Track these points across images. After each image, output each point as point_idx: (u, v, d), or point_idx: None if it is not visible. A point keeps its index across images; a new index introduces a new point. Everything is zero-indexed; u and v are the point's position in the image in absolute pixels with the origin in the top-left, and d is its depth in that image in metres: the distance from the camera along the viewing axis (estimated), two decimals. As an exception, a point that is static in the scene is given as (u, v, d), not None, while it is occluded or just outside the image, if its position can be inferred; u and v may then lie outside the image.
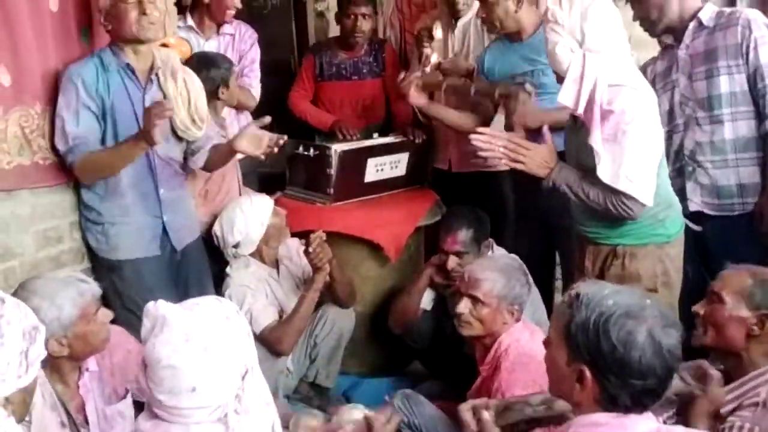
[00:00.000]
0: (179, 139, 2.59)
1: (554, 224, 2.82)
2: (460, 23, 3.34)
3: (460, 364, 2.72)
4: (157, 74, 2.46)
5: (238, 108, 3.26)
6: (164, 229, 2.56)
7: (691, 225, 2.43)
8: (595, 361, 1.28)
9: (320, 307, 2.91)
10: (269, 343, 2.67)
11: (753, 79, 2.40)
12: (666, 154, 2.46)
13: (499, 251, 2.82)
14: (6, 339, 1.28)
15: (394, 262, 3.15)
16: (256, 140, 2.49)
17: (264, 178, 3.64)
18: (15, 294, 1.56)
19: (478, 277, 2.21)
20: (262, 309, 2.74)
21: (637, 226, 2.15)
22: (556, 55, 2.08)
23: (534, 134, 2.60)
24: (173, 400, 1.37)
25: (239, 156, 3.20)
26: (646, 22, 2.55)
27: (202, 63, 2.80)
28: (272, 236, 2.88)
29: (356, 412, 2.20)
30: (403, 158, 3.38)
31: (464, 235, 2.78)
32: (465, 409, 1.61)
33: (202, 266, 2.78)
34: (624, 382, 1.27)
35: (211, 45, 3.26)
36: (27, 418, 1.66)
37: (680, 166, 2.55)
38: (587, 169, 2.13)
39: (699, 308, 1.82)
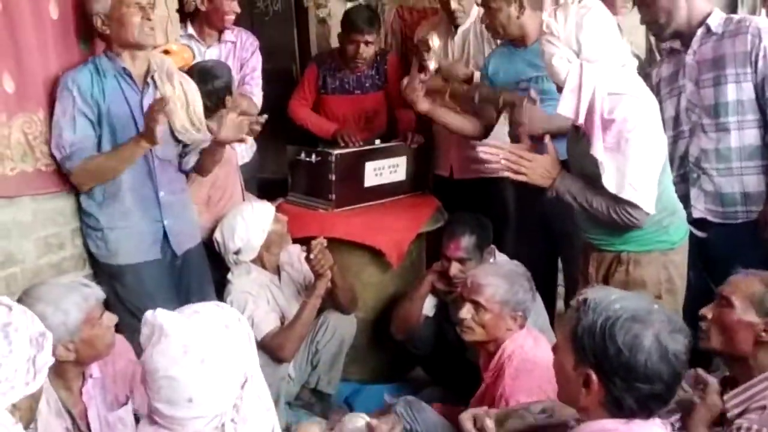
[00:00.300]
0: (177, 141, 2.60)
1: (557, 230, 2.82)
2: (460, 30, 3.35)
3: (462, 371, 2.72)
4: (153, 78, 2.47)
5: (240, 115, 3.26)
6: (165, 234, 2.56)
7: (696, 231, 2.43)
8: (601, 365, 1.29)
9: (322, 313, 2.91)
10: (271, 349, 2.66)
11: (761, 88, 2.40)
12: (670, 160, 2.46)
13: (502, 258, 2.82)
14: (14, 346, 1.29)
15: (396, 268, 3.15)
16: (237, 126, 2.51)
17: (264, 184, 3.64)
18: (19, 301, 1.56)
19: (480, 283, 2.21)
20: (264, 315, 2.73)
21: (641, 233, 2.15)
22: (554, 66, 2.08)
23: (539, 140, 2.61)
24: (170, 410, 1.37)
25: (241, 160, 3.21)
26: (654, 26, 2.55)
27: (203, 76, 2.79)
28: (273, 243, 2.88)
29: (359, 420, 2.20)
30: (401, 162, 3.39)
31: (467, 241, 2.78)
32: (466, 418, 1.62)
33: (204, 272, 2.78)
34: (630, 386, 1.27)
35: (212, 53, 3.26)
36: (32, 425, 1.66)
37: (684, 172, 2.55)
38: (590, 178, 2.13)
39: (707, 311, 1.82)
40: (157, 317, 1.40)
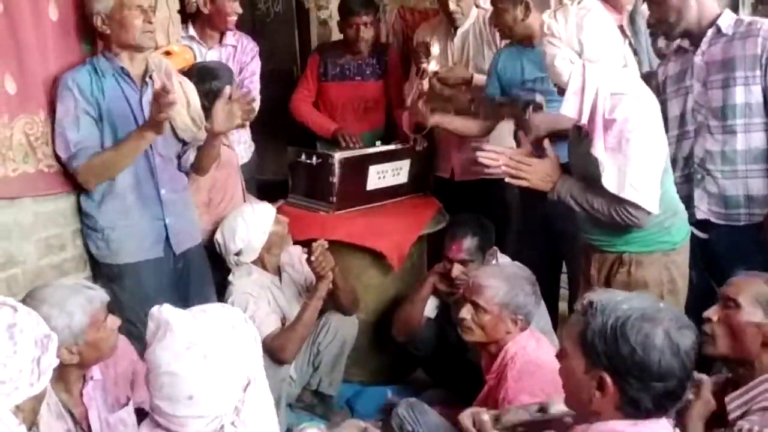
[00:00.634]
0: (178, 139, 2.61)
1: (560, 232, 2.81)
2: (459, 32, 3.36)
3: (464, 372, 2.71)
4: (151, 77, 2.48)
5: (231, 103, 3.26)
6: (166, 233, 2.55)
7: (698, 233, 2.43)
8: (615, 366, 1.28)
9: (323, 314, 2.90)
10: (272, 351, 2.65)
11: None
12: (674, 160, 2.47)
13: (504, 260, 2.82)
14: (19, 347, 1.29)
15: (397, 270, 3.15)
16: (229, 114, 2.49)
17: (263, 185, 3.64)
18: (23, 303, 1.55)
19: (481, 284, 2.21)
20: (265, 317, 2.73)
21: (643, 234, 2.15)
22: (555, 67, 2.08)
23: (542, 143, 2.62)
24: (171, 408, 1.37)
25: (241, 160, 3.20)
26: (664, 25, 2.53)
27: (202, 75, 2.79)
28: (274, 244, 2.87)
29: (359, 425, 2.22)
30: (404, 165, 3.38)
31: (469, 243, 2.78)
32: (465, 416, 1.62)
33: (204, 275, 2.77)
34: (645, 385, 1.27)
35: (212, 54, 3.26)
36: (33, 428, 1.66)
37: (689, 173, 2.54)
38: (592, 179, 2.13)
39: (712, 314, 1.81)
40: (163, 312, 1.41)
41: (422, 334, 2.96)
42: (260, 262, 2.88)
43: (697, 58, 2.51)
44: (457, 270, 2.78)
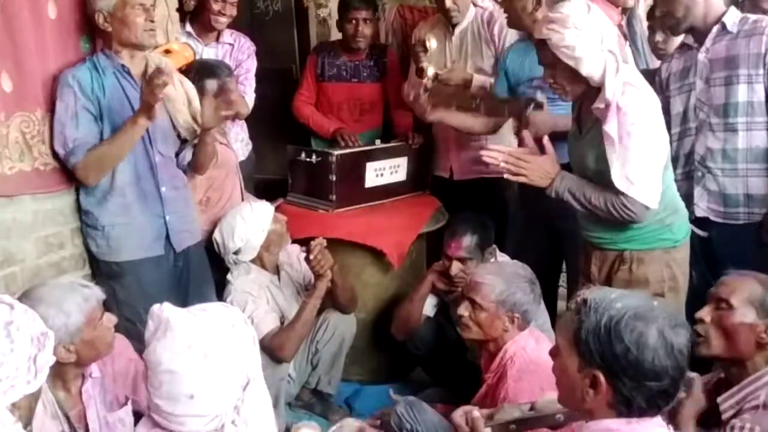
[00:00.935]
0: (179, 138, 2.62)
1: (559, 230, 2.81)
2: (457, 31, 3.35)
3: (463, 371, 2.71)
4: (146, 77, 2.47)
5: (234, 117, 3.26)
6: (167, 231, 2.55)
7: (697, 230, 2.42)
8: (609, 365, 1.27)
9: (322, 313, 2.90)
10: (271, 349, 2.65)
11: None
12: (675, 157, 2.46)
13: (503, 258, 2.81)
14: (15, 345, 1.28)
15: (396, 268, 3.14)
16: (214, 109, 2.51)
17: (262, 184, 3.64)
18: (20, 302, 1.55)
19: (478, 281, 2.21)
20: (264, 315, 2.73)
21: (644, 231, 2.15)
22: (589, 58, 2.01)
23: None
24: (170, 406, 1.37)
25: (238, 158, 3.20)
26: (671, 20, 2.52)
27: (202, 71, 2.79)
28: (273, 242, 2.87)
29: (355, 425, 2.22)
30: (402, 163, 3.39)
31: (468, 240, 2.78)
32: (457, 415, 1.62)
33: (204, 273, 2.77)
34: (638, 384, 1.26)
35: (209, 52, 3.28)
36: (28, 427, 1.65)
37: (689, 170, 2.54)
38: (592, 177, 2.13)
39: (705, 315, 1.80)
40: (163, 311, 1.40)
41: (421, 333, 2.96)
42: (259, 260, 2.87)
43: (701, 55, 2.50)
44: (455, 268, 2.78)
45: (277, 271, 2.95)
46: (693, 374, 1.72)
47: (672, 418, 1.66)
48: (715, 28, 2.47)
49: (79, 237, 2.53)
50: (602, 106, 2.02)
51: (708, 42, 2.49)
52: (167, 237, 2.57)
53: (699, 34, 2.52)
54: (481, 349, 2.32)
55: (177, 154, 2.67)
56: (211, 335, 1.39)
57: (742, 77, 2.41)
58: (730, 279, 1.81)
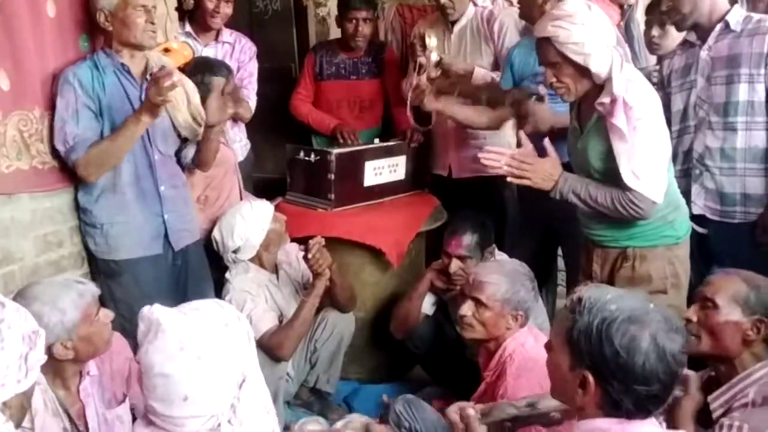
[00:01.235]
0: (179, 137, 2.62)
1: (558, 229, 2.81)
2: (456, 28, 3.35)
3: (461, 369, 2.71)
4: (152, 74, 2.47)
5: (234, 119, 3.27)
6: (165, 230, 2.55)
7: (697, 228, 2.42)
8: (598, 367, 1.27)
9: (320, 311, 2.90)
10: (269, 348, 2.65)
11: None
12: (674, 154, 2.46)
13: (502, 257, 2.81)
14: (6, 343, 1.27)
15: (395, 267, 3.14)
16: (221, 106, 2.53)
17: (261, 183, 3.64)
18: (14, 301, 1.55)
19: (482, 280, 2.20)
20: (262, 314, 2.72)
21: (647, 228, 2.15)
22: (598, 54, 2.02)
23: (544, 137, 2.60)
24: (166, 409, 1.36)
25: (238, 158, 3.20)
26: (677, 15, 2.51)
27: (199, 68, 2.79)
28: (272, 242, 2.87)
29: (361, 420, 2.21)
30: (401, 162, 3.39)
31: (469, 239, 2.77)
32: (452, 411, 1.62)
33: (203, 273, 2.77)
34: (627, 388, 1.25)
35: (208, 52, 3.27)
36: (29, 426, 1.65)
37: (687, 167, 2.54)
38: (597, 172, 2.13)
39: (691, 314, 1.79)
40: (153, 313, 1.39)
41: (420, 331, 2.96)
42: (257, 259, 2.87)
43: (703, 53, 2.50)
44: (455, 266, 2.77)
45: (275, 269, 2.95)
46: (690, 372, 1.71)
47: (670, 417, 1.66)
48: (718, 26, 2.47)
49: (78, 235, 2.54)
50: (607, 101, 2.02)
51: (711, 40, 2.49)
52: (166, 236, 2.57)
53: (702, 31, 2.51)
54: (480, 348, 2.32)
55: (178, 152, 2.67)
56: (204, 335, 1.38)
57: (743, 76, 2.41)
58: (716, 278, 1.80)
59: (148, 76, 2.47)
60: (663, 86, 2.65)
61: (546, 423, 1.59)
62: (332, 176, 3.13)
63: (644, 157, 2.03)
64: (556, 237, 2.89)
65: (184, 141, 2.67)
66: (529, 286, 2.23)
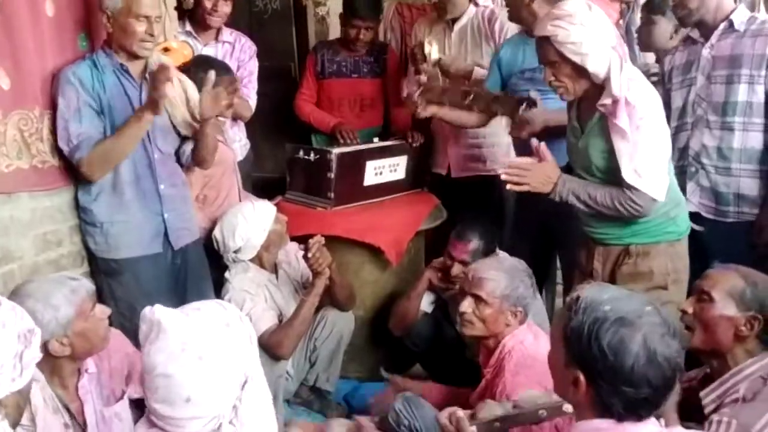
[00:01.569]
0: (178, 135, 2.62)
1: (555, 228, 2.81)
2: (457, 27, 3.35)
3: (461, 367, 2.71)
4: (151, 72, 2.47)
5: (234, 118, 3.27)
6: (165, 229, 2.56)
7: (695, 226, 2.42)
8: (588, 367, 1.27)
9: (320, 310, 2.90)
10: (269, 347, 2.65)
11: None
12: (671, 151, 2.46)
13: (500, 255, 2.81)
14: (0, 341, 1.27)
15: (395, 266, 3.14)
16: (215, 99, 2.51)
17: (260, 182, 3.64)
18: (9, 299, 1.55)
19: (482, 277, 2.21)
20: (262, 313, 2.72)
21: (651, 225, 2.15)
22: (596, 54, 2.02)
23: (539, 137, 2.60)
24: (168, 410, 1.35)
25: (238, 158, 3.20)
26: (683, 10, 2.51)
27: (201, 64, 2.79)
28: (273, 242, 2.87)
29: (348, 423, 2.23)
30: (402, 161, 3.39)
31: (475, 245, 2.76)
32: (443, 416, 1.63)
33: (202, 272, 2.78)
34: (615, 389, 1.25)
35: (208, 51, 3.27)
36: (29, 424, 1.65)
37: (683, 165, 2.54)
38: (600, 172, 2.13)
39: (687, 306, 1.81)
40: (155, 313, 1.38)
41: (419, 329, 2.96)
42: (258, 259, 2.87)
43: (705, 51, 2.50)
44: (457, 269, 2.77)
45: (275, 269, 2.95)
46: None
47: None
48: (722, 25, 2.48)
49: (78, 234, 2.54)
50: (608, 102, 2.03)
51: (714, 38, 2.49)
52: (165, 235, 2.57)
53: (706, 28, 2.51)
54: (479, 345, 2.32)
55: (177, 150, 2.67)
56: (206, 336, 1.37)
57: (743, 77, 2.42)
58: (714, 272, 1.81)
59: (146, 76, 2.48)
60: (663, 83, 2.65)
61: (533, 421, 1.59)
62: (332, 175, 3.13)
63: (647, 155, 2.03)
64: (552, 235, 2.89)
65: (183, 139, 2.67)
66: (527, 283, 2.24)
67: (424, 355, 3.10)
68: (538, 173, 2.16)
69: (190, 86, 2.61)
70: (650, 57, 3.27)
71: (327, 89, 3.66)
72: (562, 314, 1.35)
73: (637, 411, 1.26)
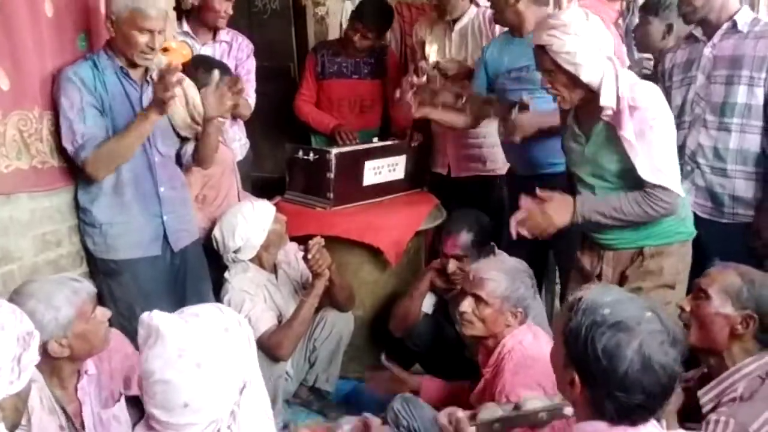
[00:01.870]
0: (178, 137, 2.62)
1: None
2: (458, 27, 3.35)
3: (461, 368, 2.71)
4: (152, 77, 2.48)
5: (234, 117, 3.27)
6: (164, 231, 2.56)
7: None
8: (583, 369, 1.27)
9: (319, 310, 2.90)
10: (268, 348, 2.65)
11: None
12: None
13: (501, 256, 2.81)
14: None
15: (394, 266, 3.14)
16: (219, 98, 2.51)
17: (259, 182, 3.64)
18: (10, 300, 1.55)
19: (482, 277, 2.21)
20: (261, 314, 2.72)
21: (664, 226, 2.16)
22: (590, 64, 2.04)
23: (531, 140, 2.59)
24: (166, 416, 1.35)
25: (236, 158, 3.20)
26: (688, 6, 2.51)
27: (203, 64, 2.79)
28: (272, 243, 2.87)
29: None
30: (400, 161, 3.39)
31: (464, 238, 2.77)
32: (441, 416, 1.63)
33: (202, 272, 2.78)
34: (609, 394, 1.25)
35: (206, 51, 3.28)
36: (24, 423, 1.65)
37: (680, 164, 2.54)
38: (612, 174, 2.13)
39: (685, 304, 1.82)
40: (153, 319, 1.37)
41: (419, 330, 2.96)
42: (257, 259, 2.87)
43: (707, 50, 2.50)
44: (452, 265, 2.77)
45: (274, 269, 2.95)
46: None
47: None
48: (725, 25, 2.48)
49: (77, 235, 2.54)
50: (610, 112, 2.04)
51: (716, 38, 2.49)
52: (165, 237, 2.57)
53: (709, 27, 2.51)
54: (479, 345, 2.32)
55: (178, 150, 2.67)
56: (204, 341, 1.37)
57: (743, 78, 2.41)
58: (713, 270, 1.82)
59: (148, 78, 2.48)
60: (663, 81, 2.65)
61: (533, 424, 1.59)
62: (331, 175, 3.13)
63: (664, 152, 2.05)
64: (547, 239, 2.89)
65: (184, 140, 2.67)
66: (528, 283, 2.24)
67: (423, 356, 3.10)
68: (551, 210, 2.15)
69: (190, 87, 2.61)
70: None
71: (327, 90, 3.67)
72: (564, 314, 1.35)
73: (630, 416, 1.26)
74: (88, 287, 1.85)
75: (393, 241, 3.13)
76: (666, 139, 2.05)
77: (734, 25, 2.46)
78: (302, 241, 2.83)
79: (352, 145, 3.41)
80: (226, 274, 2.84)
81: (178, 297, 2.54)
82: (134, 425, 1.65)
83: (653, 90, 2.08)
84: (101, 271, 2.51)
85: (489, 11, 3.33)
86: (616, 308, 1.28)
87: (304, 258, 2.73)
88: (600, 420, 1.28)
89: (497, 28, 3.26)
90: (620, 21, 3.55)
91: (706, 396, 1.71)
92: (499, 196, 3.29)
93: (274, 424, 1.51)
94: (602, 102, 2.03)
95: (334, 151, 3.15)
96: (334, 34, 4.17)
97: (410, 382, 2.60)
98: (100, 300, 1.91)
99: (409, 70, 3.49)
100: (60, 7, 2.41)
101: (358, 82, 3.65)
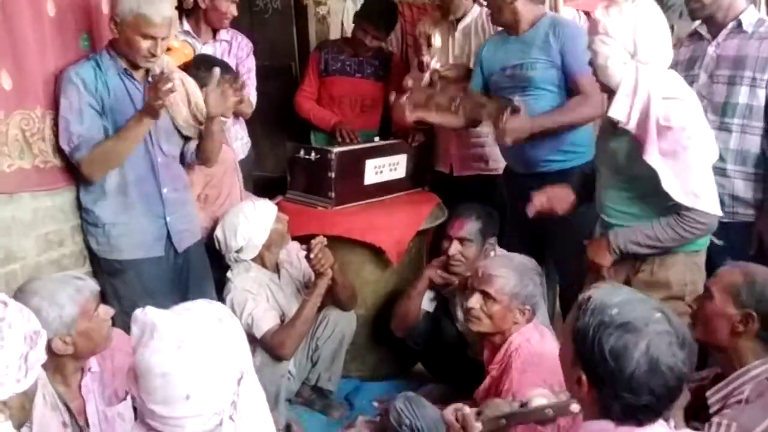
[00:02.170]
0: (181, 137, 2.61)
1: (546, 232, 2.80)
2: (461, 26, 3.35)
3: (462, 366, 2.71)
4: (153, 76, 2.47)
5: (236, 115, 3.27)
6: (167, 231, 2.56)
7: (713, 239, 2.34)
8: (590, 368, 1.28)
9: (321, 310, 2.90)
10: (271, 347, 2.66)
11: None
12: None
13: (503, 252, 2.81)
14: (6, 342, 1.27)
15: (396, 265, 3.15)
16: (221, 96, 2.51)
17: (261, 182, 3.64)
18: (14, 297, 1.55)
19: (491, 273, 2.21)
20: (263, 313, 2.72)
21: None
22: (608, 68, 2.04)
23: (522, 143, 2.60)
24: (166, 410, 1.34)
25: (237, 157, 3.19)
26: (696, 3, 2.50)
27: (205, 63, 2.79)
28: (274, 242, 2.87)
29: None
30: (401, 160, 3.39)
31: (472, 223, 2.76)
32: (448, 412, 1.64)
33: (204, 272, 2.78)
34: (616, 395, 1.25)
35: (206, 50, 3.26)
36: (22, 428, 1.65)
37: None
38: (620, 171, 2.13)
39: (692, 302, 1.84)
40: (147, 314, 1.37)
41: (419, 328, 2.96)
42: (259, 259, 2.87)
43: (711, 49, 2.49)
44: (454, 248, 2.76)
45: (277, 269, 2.95)
46: None
47: None
48: (731, 24, 2.47)
49: (80, 234, 2.54)
50: (632, 127, 2.02)
51: (721, 37, 2.48)
52: (168, 237, 2.57)
53: (714, 25, 2.50)
54: (483, 341, 2.32)
55: (181, 150, 2.66)
56: (200, 332, 1.37)
57: (746, 79, 2.41)
58: (721, 269, 1.82)
59: (150, 78, 2.48)
60: None
61: (539, 420, 1.60)
62: (333, 175, 3.13)
63: (699, 173, 2.02)
64: (543, 238, 2.89)
65: (187, 139, 2.67)
66: (537, 281, 2.25)
67: (425, 354, 3.11)
68: (592, 257, 2.19)
69: (192, 86, 2.61)
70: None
71: (329, 86, 3.67)
72: (574, 314, 1.36)
73: (637, 416, 1.26)
74: (92, 285, 1.85)
75: (394, 240, 3.13)
76: (701, 160, 2.02)
77: (739, 24, 2.45)
78: (304, 240, 2.84)
79: (353, 144, 3.41)
80: (229, 274, 2.84)
81: (180, 296, 2.53)
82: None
83: (691, 105, 2.05)
84: (105, 270, 2.52)
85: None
86: (624, 309, 1.27)
87: (307, 257, 2.73)
88: (607, 419, 1.28)
89: (500, 27, 3.26)
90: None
91: (714, 396, 1.71)
92: (501, 195, 3.29)
93: (270, 416, 1.51)
94: (609, 113, 2.02)
95: (336, 150, 3.15)
96: (335, 33, 4.17)
97: None
98: (104, 298, 1.91)
99: (413, 67, 3.48)
100: (62, 7, 2.41)
101: (360, 80, 3.65)
